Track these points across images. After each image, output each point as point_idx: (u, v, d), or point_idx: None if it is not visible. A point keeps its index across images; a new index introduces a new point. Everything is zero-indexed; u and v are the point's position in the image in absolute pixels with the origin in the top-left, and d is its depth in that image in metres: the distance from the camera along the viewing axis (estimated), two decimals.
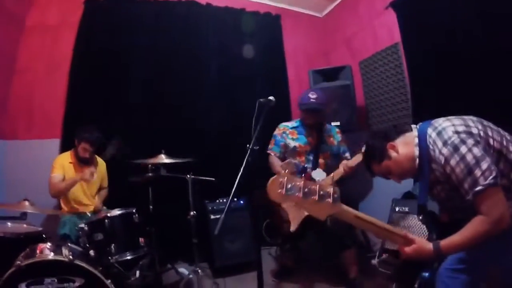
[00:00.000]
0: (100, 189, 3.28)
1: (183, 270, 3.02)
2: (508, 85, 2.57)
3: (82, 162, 3.10)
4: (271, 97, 2.12)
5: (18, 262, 1.94)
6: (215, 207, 3.32)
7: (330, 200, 1.26)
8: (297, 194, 1.24)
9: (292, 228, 2.72)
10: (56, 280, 1.97)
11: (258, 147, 2.02)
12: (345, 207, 1.36)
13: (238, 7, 4.37)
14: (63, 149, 3.52)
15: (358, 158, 2.61)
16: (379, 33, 4.04)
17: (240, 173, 1.93)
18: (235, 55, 4.19)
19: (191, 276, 2.95)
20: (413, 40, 3.50)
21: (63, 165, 3.08)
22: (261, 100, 2.12)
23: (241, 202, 3.38)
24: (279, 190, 1.24)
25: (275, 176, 1.26)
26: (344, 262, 2.91)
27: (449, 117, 1.59)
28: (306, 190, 1.24)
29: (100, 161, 3.29)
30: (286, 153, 3.09)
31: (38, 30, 3.99)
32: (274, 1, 4.71)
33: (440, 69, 3.13)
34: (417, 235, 1.55)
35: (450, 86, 3.01)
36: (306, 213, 2.70)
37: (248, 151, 1.99)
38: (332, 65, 4.23)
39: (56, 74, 3.92)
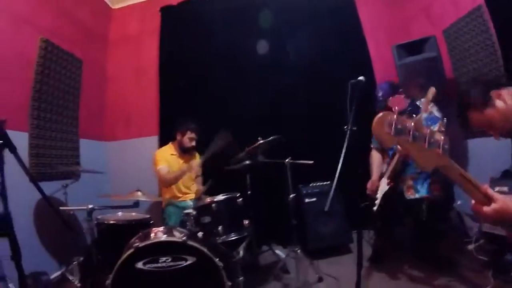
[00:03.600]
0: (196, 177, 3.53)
1: (279, 252, 3.12)
2: None
3: (186, 152, 3.39)
4: (361, 77, 2.11)
5: (136, 243, 2.16)
6: (309, 191, 3.39)
7: (439, 150, 1.11)
8: (405, 136, 1.11)
9: (374, 207, 2.69)
10: (170, 259, 2.16)
11: (355, 128, 2.02)
12: (452, 161, 1.16)
13: None
14: (161, 144, 3.90)
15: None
16: None
17: (342, 155, 1.94)
18: (311, 37, 4.11)
19: (286, 257, 3.05)
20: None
21: (166, 157, 3.38)
22: (352, 81, 2.12)
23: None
24: (387, 130, 1.11)
25: (383, 113, 1.13)
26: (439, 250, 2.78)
27: None
28: (416, 133, 1.10)
29: (197, 154, 3.53)
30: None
31: (121, 41, 4.49)
32: None
33: None
34: None
35: None
36: (384, 190, 2.68)
37: (348, 133, 2.00)
38: (414, 38, 3.95)
39: (144, 78, 4.36)
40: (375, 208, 2.67)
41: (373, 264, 3.01)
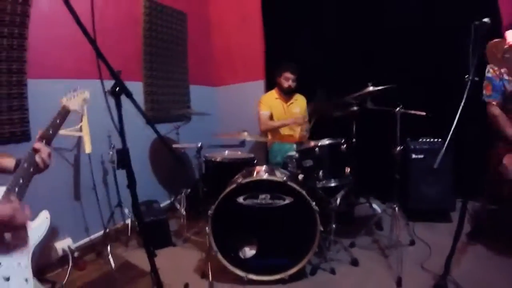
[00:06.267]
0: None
1: (376, 206, 3.04)
2: None
3: (287, 93, 3.45)
4: (486, 19, 1.79)
5: (239, 180, 2.30)
6: (417, 146, 3.16)
7: None
8: None
9: None
10: (269, 196, 2.28)
11: (478, 79, 1.80)
12: None
13: None
14: (268, 88, 4.04)
15: None
16: None
17: (460, 109, 1.76)
18: None
19: (382, 213, 2.97)
20: None
21: (269, 102, 3.50)
22: (476, 23, 1.82)
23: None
24: (498, 55, 1.28)
25: (497, 40, 1.31)
26: None
27: None
28: None
29: (300, 96, 3.59)
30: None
31: None
32: None
33: None
34: None
35: None
36: None
37: (468, 84, 1.78)
38: None
39: (248, 25, 4.42)
40: None
41: (472, 240, 2.72)
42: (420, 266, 2.40)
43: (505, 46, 1.25)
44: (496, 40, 1.25)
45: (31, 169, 1.39)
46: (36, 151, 1.42)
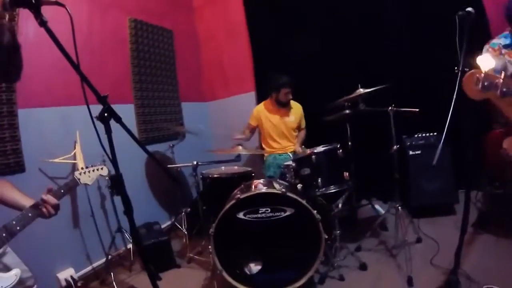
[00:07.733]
0: (299, 130, 3.58)
1: (379, 207, 3.01)
2: None
3: (283, 106, 3.44)
4: (469, 9, 1.80)
5: (237, 195, 2.27)
6: (413, 143, 3.16)
7: None
8: (494, 91, 1.24)
9: None
10: (269, 210, 2.23)
11: (468, 69, 1.76)
12: None
13: None
14: (259, 98, 4.06)
15: None
16: None
17: (453, 102, 1.73)
18: None
19: (385, 213, 2.92)
20: None
21: (259, 114, 3.51)
22: (460, 13, 1.82)
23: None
24: (476, 86, 1.25)
25: (471, 71, 1.29)
26: None
27: None
28: (504, 89, 1.22)
29: (295, 104, 3.56)
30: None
31: (207, 5, 4.64)
32: None
33: None
34: None
35: None
36: None
37: (459, 75, 1.73)
38: None
39: (235, 36, 4.45)
40: None
41: (478, 229, 2.69)
42: (430, 263, 2.37)
43: (481, 75, 1.26)
44: (469, 72, 1.31)
45: (33, 218, 1.46)
46: (44, 201, 1.48)
